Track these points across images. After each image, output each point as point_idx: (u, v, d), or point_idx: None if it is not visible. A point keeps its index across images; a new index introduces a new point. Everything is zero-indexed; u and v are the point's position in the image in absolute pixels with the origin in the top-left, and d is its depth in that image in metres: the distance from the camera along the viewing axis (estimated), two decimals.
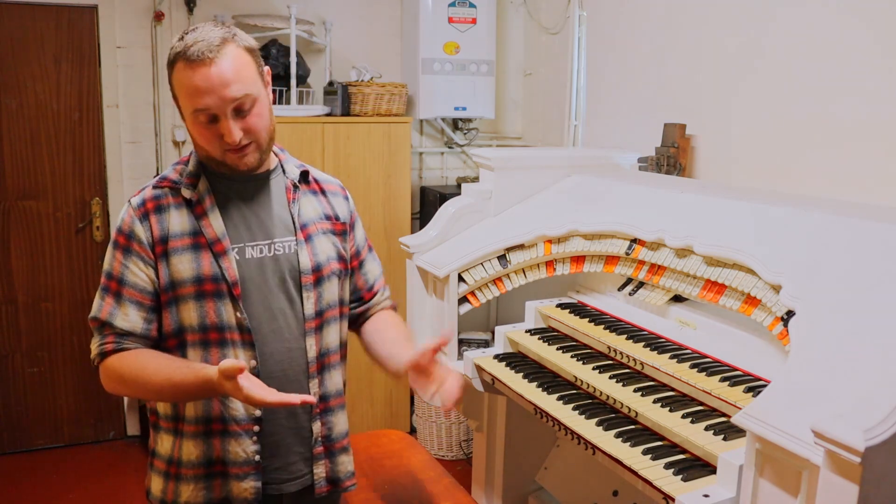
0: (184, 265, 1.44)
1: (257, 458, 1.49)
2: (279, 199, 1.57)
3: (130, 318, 1.45)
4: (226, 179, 1.52)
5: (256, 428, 1.49)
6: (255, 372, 1.47)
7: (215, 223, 1.47)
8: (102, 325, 1.46)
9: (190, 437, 1.49)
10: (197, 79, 1.37)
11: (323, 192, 1.66)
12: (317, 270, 1.55)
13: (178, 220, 1.47)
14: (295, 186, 1.59)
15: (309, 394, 1.55)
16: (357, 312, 1.73)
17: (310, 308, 1.54)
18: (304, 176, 1.63)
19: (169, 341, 1.48)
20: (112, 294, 1.46)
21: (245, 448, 1.48)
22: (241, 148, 1.44)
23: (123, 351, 1.45)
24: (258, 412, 1.49)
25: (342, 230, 1.65)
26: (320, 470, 1.58)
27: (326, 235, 1.60)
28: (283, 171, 1.60)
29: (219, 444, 1.48)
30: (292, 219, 1.56)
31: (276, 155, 1.61)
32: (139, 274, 1.45)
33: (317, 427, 1.57)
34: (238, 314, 1.46)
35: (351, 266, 1.68)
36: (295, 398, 1.33)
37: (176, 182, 1.50)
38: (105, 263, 1.49)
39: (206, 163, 1.51)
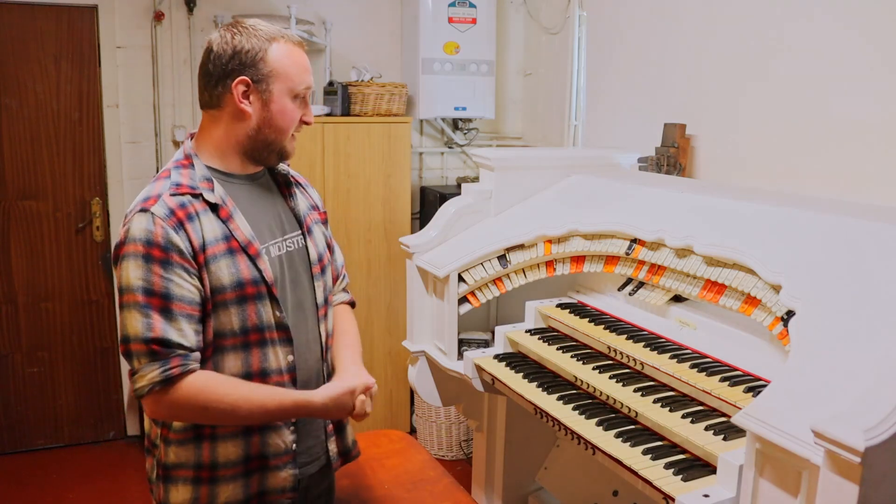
0: (222, 272, 1.42)
1: (294, 446, 1.54)
2: (277, 196, 1.62)
3: (186, 333, 1.36)
4: (232, 180, 1.53)
5: (293, 418, 1.54)
6: (293, 366, 1.52)
7: (243, 226, 1.47)
8: (156, 345, 1.34)
9: (228, 439, 1.47)
10: (304, 59, 1.49)
11: (300, 184, 1.72)
12: (320, 260, 1.63)
13: (209, 227, 1.43)
14: (289, 182, 1.65)
15: (323, 376, 1.62)
16: None
17: (320, 296, 1.62)
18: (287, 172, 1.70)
19: (206, 351, 1.43)
20: (158, 311, 1.34)
21: (284, 439, 1.52)
22: (294, 135, 1.54)
23: (191, 373, 1.36)
24: None
25: (325, 219, 1.74)
26: (333, 446, 1.65)
27: (318, 225, 1.69)
28: (272, 169, 1.64)
29: (258, 440, 1.49)
30: (294, 213, 1.62)
31: None
32: (185, 286, 1.37)
33: None
34: (277, 313, 1.49)
35: None
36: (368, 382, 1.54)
37: (193, 187, 1.44)
38: (134, 280, 1.34)
39: (250, 148, 1.50)
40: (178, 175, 1.45)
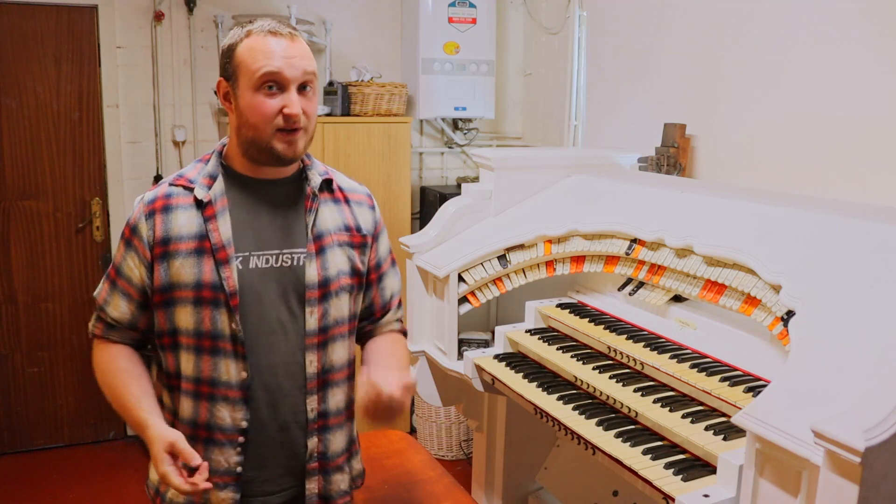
0: (186, 269, 1.42)
1: (239, 469, 1.47)
2: (296, 207, 1.52)
3: (120, 308, 1.50)
4: (244, 183, 1.49)
5: (241, 439, 1.46)
6: (246, 384, 1.45)
7: (223, 229, 1.44)
8: (96, 307, 1.54)
9: None
10: (276, 45, 1.41)
11: (347, 200, 1.60)
12: (324, 285, 1.50)
13: (185, 222, 1.44)
14: (314, 195, 1.53)
15: (305, 409, 1.51)
16: (366, 329, 1.69)
17: (313, 323, 1.49)
18: (328, 184, 1.58)
19: (163, 339, 1.49)
20: (109, 282, 1.52)
21: (227, 458, 1.46)
22: (293, 131, 1.42)
23: (107, 342, 1.52)
24: (244, 423, 1.46)
25: (362, 242, 1.59)
26: (313, 486, 1.53)
27: (342, 248, 1.54)
28: (306, 177, 1.55)
29: (202, 450, 1.45)
30: (306, 229, 1.51)
31: (301, 160, 1.55)
32: (133, 269, 1.48)
33: (312, 442, 1.52)
34: (233, 325, 1.43)
35: (369, 279, 1.64)
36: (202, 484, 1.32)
37: (192, 181, 1.47)
38: (114, 251, 1.57)
39: (244, 149, 1.46)
40: (191, 166, 1.53)
